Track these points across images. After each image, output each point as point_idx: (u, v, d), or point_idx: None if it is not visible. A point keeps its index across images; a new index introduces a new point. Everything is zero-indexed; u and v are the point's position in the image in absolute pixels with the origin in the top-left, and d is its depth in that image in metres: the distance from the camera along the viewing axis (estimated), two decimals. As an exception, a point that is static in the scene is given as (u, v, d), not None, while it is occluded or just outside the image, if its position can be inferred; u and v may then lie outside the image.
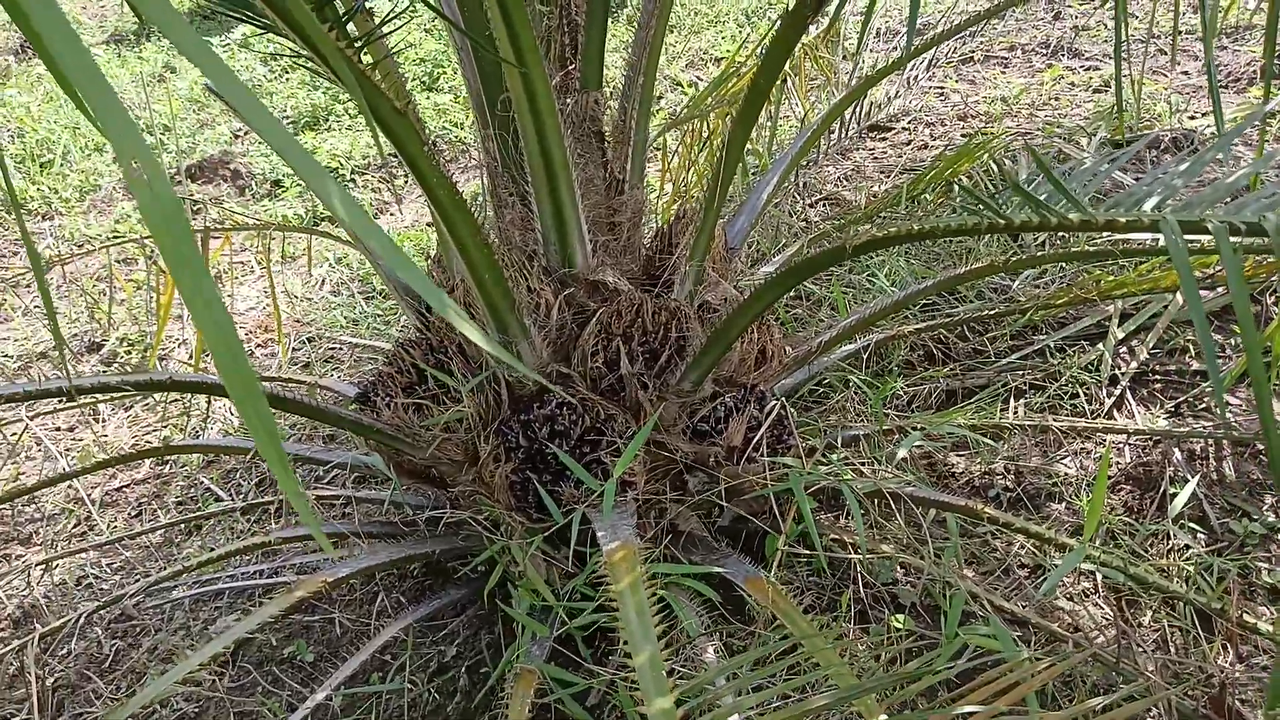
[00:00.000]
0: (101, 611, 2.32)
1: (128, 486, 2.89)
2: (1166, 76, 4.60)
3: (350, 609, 2.23)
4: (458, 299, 2.06)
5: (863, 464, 2.01)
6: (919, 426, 2.18)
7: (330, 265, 4.21)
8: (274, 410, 2.93)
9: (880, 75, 2.38)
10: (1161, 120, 3.84)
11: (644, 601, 1.29)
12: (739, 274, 2.76)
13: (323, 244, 4.23)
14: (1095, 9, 5.89)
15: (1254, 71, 4.41)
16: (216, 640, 1.57)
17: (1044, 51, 5.28)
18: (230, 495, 2.78)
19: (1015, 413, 2.30)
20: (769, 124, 3.89)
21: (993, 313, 2.56)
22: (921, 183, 3.13)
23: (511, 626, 2.03)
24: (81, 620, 2.17)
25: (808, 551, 1.93)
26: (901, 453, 1.93)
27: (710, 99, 3.38)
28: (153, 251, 3.61)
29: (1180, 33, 5.10)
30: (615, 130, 2.14)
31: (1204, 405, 2.28)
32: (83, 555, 2.59)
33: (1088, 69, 4.91)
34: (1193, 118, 3.93)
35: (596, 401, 1.91)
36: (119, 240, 4.27)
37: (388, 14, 1.71)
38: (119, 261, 4.34)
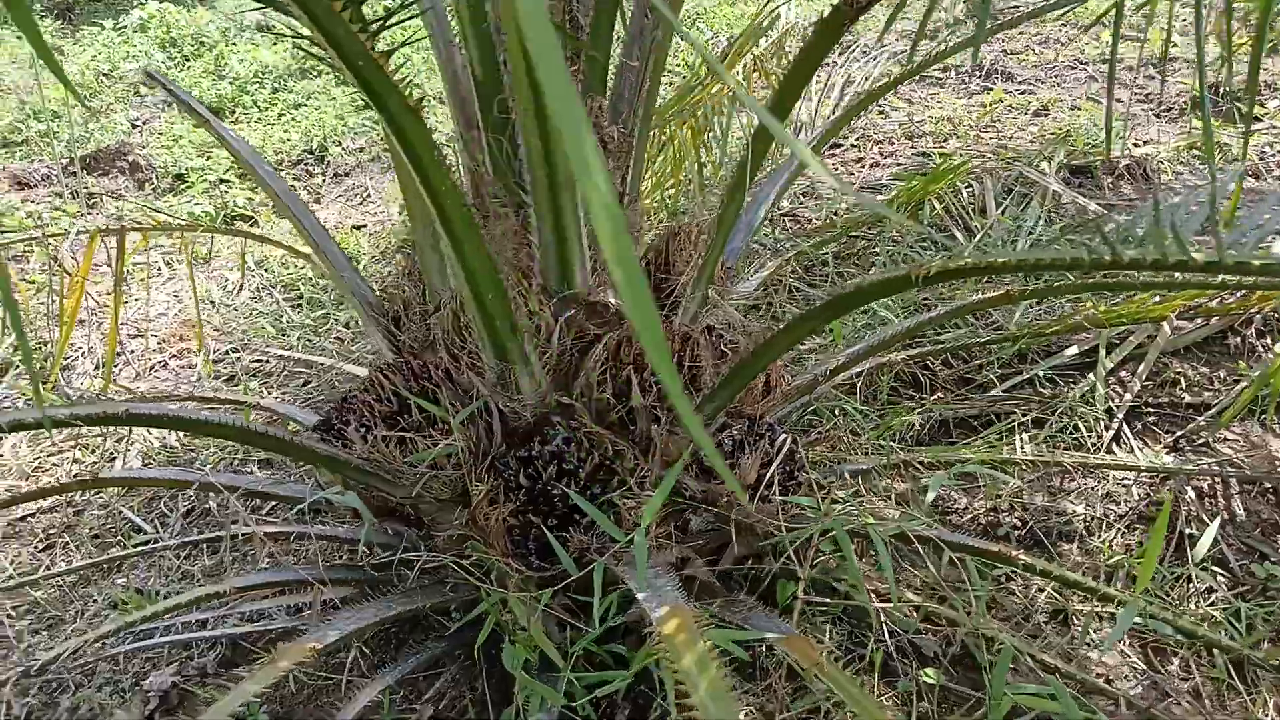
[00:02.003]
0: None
1: (33, 515, 2.57)
2: (1099, 103, 4.67)
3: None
4: (443, 321, 1.86)
5: (880, 502, 1.89)
6: (925, 461, 2.07)
7: (249, 269, 3.90)
8: (237, 442, 2.63)
9: (882, 91, 2.28)
10: (1112, 146, 3.87)
11: (718, 681, 1.12)
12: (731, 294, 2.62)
13: (237, 245, 3.91)
14: (1020, 34, 6.00)
15: (1184, 101, 4.51)
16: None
17: (976, 74, 5.33)
18: (154, 526, 2.50)
19: (1022, 448, 2.22)
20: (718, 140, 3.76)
21: (982, 340, 2.49)
22: (892, 204, 3.05)
23: (498, 682, 1.84)
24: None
25: (821, 599, 1.80)
26: (932, 494, 1.81)
27: (673, 109, 3.26)
28: (55, 249, 3.27)
29: (1104, 61, 5.20)
30: (618, 141, 1.97)
31: (1202, 441, 2.24)
32: (-18, 598, 2.28)
33: (1022, 92, 4.96)
34: (1136, 144, 3.97)
35: (604, 436, 1.74)
36: (9, 238, 3.88)
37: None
38: (10, 259, 3.93)
